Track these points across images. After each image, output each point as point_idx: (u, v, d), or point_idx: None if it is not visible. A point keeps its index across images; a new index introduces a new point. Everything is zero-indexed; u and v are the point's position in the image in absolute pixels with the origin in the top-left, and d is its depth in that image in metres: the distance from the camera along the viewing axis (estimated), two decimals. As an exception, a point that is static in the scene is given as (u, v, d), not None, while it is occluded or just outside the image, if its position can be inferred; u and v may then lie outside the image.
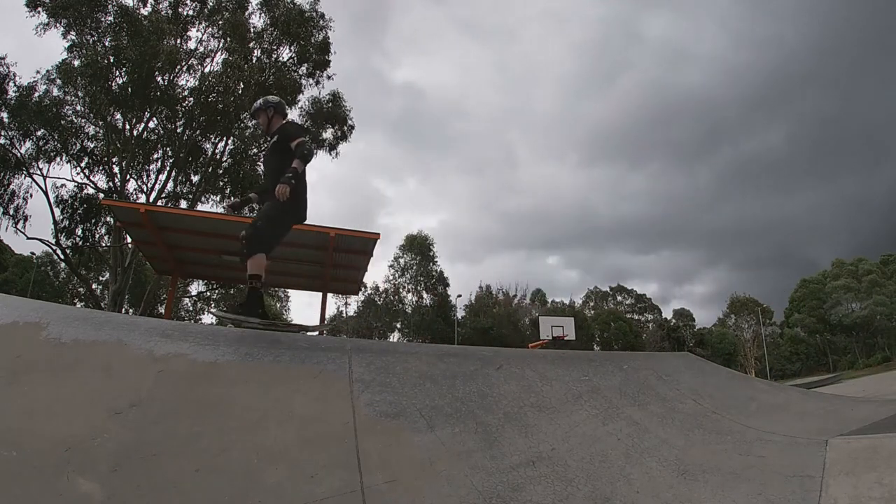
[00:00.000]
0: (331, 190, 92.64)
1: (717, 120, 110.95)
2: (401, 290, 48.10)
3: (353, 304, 48.80)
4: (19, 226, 20.57)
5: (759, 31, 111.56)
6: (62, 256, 21.79)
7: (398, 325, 47.36)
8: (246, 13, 22.21)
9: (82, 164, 21.16)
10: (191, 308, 45.13)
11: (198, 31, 22.02)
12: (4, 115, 19.65)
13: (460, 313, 47.25)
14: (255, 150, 24.11)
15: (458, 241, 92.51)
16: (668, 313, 66.02)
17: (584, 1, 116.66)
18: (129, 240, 17.52)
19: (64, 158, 20.85)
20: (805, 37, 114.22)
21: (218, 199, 23.55)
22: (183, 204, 22.42)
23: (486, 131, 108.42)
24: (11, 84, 19.78)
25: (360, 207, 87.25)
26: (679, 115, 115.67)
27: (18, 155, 20.18)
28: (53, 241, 20.76)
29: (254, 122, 4.27)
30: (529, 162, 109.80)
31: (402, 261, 48.86)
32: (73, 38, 19.70)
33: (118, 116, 20.80)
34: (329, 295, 15.70)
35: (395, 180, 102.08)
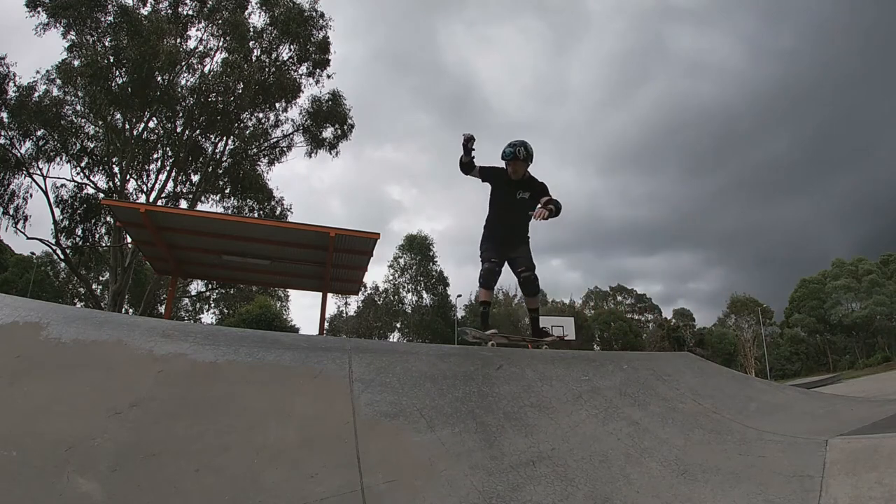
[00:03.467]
0: (342, 195, 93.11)
1: (727, 129, 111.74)
2: (400, 290, 48.11)
3: (353, 304, 48.83)
4: (19, 226, 20.61)
5: (772, 43, 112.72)
6: (62, 256, 21.80)
7: (398, 325, 47.37)
8: (245, 12, 22.20)
9: (82, 164, 21.18)
10: (191, 308, 45.21)
11: (197, 30, 22.04)
12: (4, 115, 19.67)
13: (460, 313, 47.27)
14: (255, 150, 24.11)
15: (470, 245, 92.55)
16: (670, 313, 66.06)
17: (610, 11, 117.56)
18: (129, 240, 17.52)
19: (64, 158, 20.88)
20: (811, 47, 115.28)
21: (218, 198, 23.58)
22: (183, 204, 22.43)
23: (506, 138, 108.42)
24: (11, 84, 19.79)
25: (372, 213, 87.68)
26: (692, 125, 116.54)
27: (18, 155, 20.19)
28: (53, 241, 20.78)
29: (508, 167, 4.72)
30: (547, 169, 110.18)
31: (401, 261, 48.88)
32: (73, 38, 19.70)
33: (118, 116, 20.79)
34: (329, 295, 15.71)
35: (413, 185, 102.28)
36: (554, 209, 4.46)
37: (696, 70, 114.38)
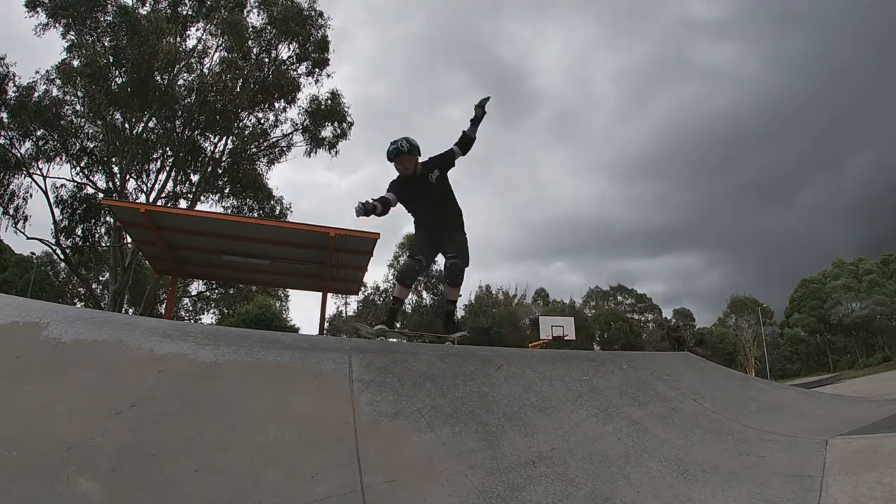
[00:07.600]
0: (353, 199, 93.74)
1: (735, 134, 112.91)
2: (400, 290, 47.94)
3: (353, 304, 48.75)
4: (19, 226, 20.59)
5: (781, 50, 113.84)
6: (62, 256, 21.79)
7: (398, 325, 47.26)
8: (244, 11, 22.20)
9: (82, 164, 21.17)
10: (191, 308, 45.11)
11: (196, 29, 22.05)
12: (4, 115, 19.65)
13: (460, 313, 47.23)
14: (254, 150, 24.10)
15: (477, 249, 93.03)
16: (670, 313, 65.98)
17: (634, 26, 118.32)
18: (129, 240, 17.51)
19: (64, 158, 20.86)
20: (817, 54, 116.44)
21: (217, 198, 23.59)
22: (183, 204, 22.43)
23: (523, 147, 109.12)
24: (11, 84, 19.77)
25: (387, 218, 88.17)
26: (701, 131, 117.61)
27: (18, 155, 20.18)
28: (53, 241, 20.77)
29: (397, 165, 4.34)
30: (558, 177, 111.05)
31: (401, 260, 48.77)
32: (73, 38, 19.70)
33: (118, 116, 20.79)
34: (329, 295, 15.70)
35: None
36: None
37: (709, 77, 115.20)
